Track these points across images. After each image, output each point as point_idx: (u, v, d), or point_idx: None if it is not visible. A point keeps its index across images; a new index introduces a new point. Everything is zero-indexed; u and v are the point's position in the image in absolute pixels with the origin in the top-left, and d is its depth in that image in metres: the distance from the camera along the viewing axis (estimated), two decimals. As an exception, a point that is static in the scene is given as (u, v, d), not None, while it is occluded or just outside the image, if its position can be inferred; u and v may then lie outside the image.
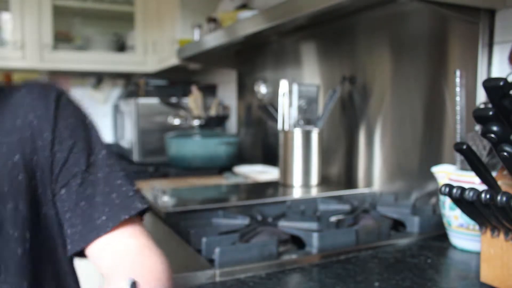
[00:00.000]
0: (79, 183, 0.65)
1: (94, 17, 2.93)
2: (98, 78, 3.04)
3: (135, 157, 2.36)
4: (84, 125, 0.70)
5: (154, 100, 2.40)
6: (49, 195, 0.66)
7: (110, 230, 0.63)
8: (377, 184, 1.40)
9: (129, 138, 2.46)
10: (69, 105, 0.70)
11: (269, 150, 2.04)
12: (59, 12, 2.63)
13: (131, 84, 2.80)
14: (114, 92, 3.10)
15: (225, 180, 1.74)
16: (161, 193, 1.38)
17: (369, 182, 1.44)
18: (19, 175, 0.63)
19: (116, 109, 2.87)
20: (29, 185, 0.64)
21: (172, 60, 2.34)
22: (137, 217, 0.67)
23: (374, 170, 1.42)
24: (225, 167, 1.97)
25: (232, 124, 2.46)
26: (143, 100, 2.39)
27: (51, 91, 0.68)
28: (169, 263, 0.64)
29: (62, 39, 2.76)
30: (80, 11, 2.77)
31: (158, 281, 0.60)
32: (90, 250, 0.64)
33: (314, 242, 0.93)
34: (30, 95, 0.66)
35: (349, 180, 1.52)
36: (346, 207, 1.18)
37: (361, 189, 1.43)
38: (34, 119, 0.65)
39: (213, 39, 1.80)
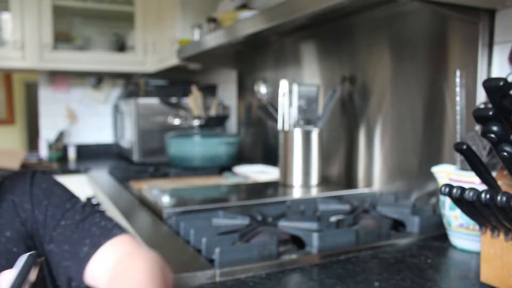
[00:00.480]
0: (60, 232, 0.75)
1: (94, 17, 2.93)
2: (98, 78, 3.04)
3: (135, 157, 2.36)
4: (55, 186, 0.82)
5: (154, 100, 2.40)
6: (45, 253, 0.76)
7: (93, 255, 0.72)
8: (377, 184, 1.40)
9: (129, 138, 2.46)
10: (42, 177, 0.82)
11: (269, 150, 2.04)
12: (59, 12, 2.63)
13: (131, 84, 2.80)
14: (114, 92, 3.10)
15: (225, 180, 1.74)
16: (161, 193, 1.38)
17: (369, 182, 1.44)
18: (14, 248, 0.73)
19: (116, 109, 2.87)
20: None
21: (172, 60, 2.34)
22: (121, 241, 0.75)
23: (374, 170, 1.42)
24: (225, 167, 1.97)
25: (232, 124, 2.46)
26: (143, 100, 2.39)
27: (26, 174, 0.82)
28: (158, 260, 0.69)
29: (62, 39, 2.75)
30: (80, 11, 2.77)
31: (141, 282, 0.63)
32: (85, 278, 0.72)
33: (314, 242, 0.93)
34: (10, 182, 0.79)
35: (349, 180, 1.52)
36: (346, 207, 1.18)
37: (361, 189, 1.43)
38: (15, 197, 0.77)
39: (213, 39, 1.80)
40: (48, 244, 0.75)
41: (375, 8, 1.38)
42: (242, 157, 2.22)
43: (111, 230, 0.76)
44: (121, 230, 0.77)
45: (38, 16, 2.50)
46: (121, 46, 2.91)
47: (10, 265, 0.67)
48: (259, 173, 1.80)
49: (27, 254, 0.43)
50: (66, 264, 0.73)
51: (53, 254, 0.75)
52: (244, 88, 2.30)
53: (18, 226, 0.75)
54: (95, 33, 2.91)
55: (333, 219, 1.06)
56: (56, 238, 0.75)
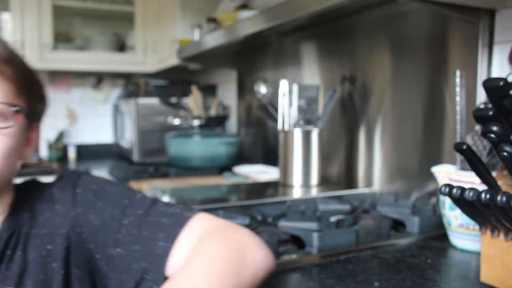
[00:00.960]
0: (124, 233, 0.67)
1: (94, 17, 2.93)
2: (98, 78, 3.04)
3: (135, 157, 2.36)
4: (106, 184, 0.74)
5: (154, 100, 2.40)
6: (107, 258, 0.68)
7: (172, 248, 0.64)
8: (377, 184, 1.40)
9: (129, 138, 2.46)
10: (89, 179, 0.74)
11: (269, 150, 2.04)
12: (59, 12, 2.63)
13: (131, 84, 2.80)
14: (114, 92, 3.10)
15: (225, 180, 1.74)
16: (161, 193, 1.38)
17: (369, 182, 1.44)
18: (53, 263, 0.67)
19: (116, 109, 2.87)
20: (72, 266, 0.68)
21: (172, 60, 2.34)
22: (196, 223, 0.67)
23: (374, 170, 1.42)
24: (225, 167, 1.97)
25: (232, 124, 2.46)
26: (143, 100, 2.39)
27: (70, 178, 0.74)
28: (235, 243, 0.62)
29: (62, 39, 2.75)
30: (80, 11, 2.77)
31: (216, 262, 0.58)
32: (166, 273, 0.65)
33: (314, 242, 0.93)
34: (56, 188, 0.72)
35: (349, 180, 1.52)
36: (346, 207, 1.18)
37: (361, 189, 1.43)
38: (60, 206, 0.70)
39: (213, 39, 1.80)
40: (114, 249, 0.68)
41: (375, 8, 1.38)
42: (242, 157, 2.22)
43: (181, 214, 0.68)
44: (191, 210, 0.69)
45: (38, 16, 2.50)
46: (121, 46, 2.91)
47: (47, 280, 0.66)
48: (259, 173, 1.80)
49: None
50: (141, 266, 0.66)
51: (120, 258, 0.67)
52: (244, 88, 2.31)
53: (62, 239, 0.68)
54: (95, 33, 2.91)
55: (333, 219, 1.06)
56: (122, 240, 0.67)
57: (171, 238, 0.65)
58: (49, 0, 2.52)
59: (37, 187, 0.74)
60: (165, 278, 0.64)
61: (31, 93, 0.69)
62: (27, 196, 0.71)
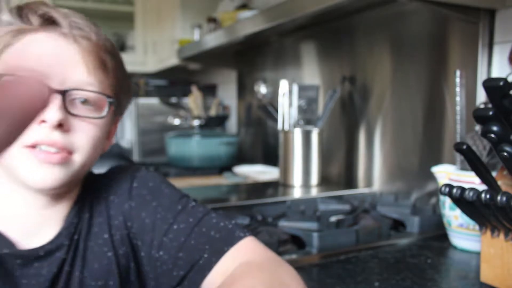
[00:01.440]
0: (171, 238, 0.66)
1: (94, 17, 2.91)
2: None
3: (135, 157, 2.36)
4: (163, 184, 0.73)
5: (154, 100, 2.40)
6: (150, 259, 0.68)
7: (215, 264, 0.63)
8: (377, 184, 1.40)
9: (129, 138, 2.46)
10: (147, 175, 0.73)
11: (269, 150, 2.04)
12: (59, 12, 2.63)
13: (131, 84, 2.80)
14: (114, 92, 3.10)
15: (225, 180, 1.74)
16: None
17: (369, 182, 1.44)
18: (108, 253, 0.66)
19: (116, 109, 2.87)
20: (124, 258, 0.68)
21: (172, 60, 2.34)
22: (244, 247, 0.65)
23: (374, 170, 1.42)
24: (225, 167, 1.97)
25: (232, 124, 2.46)
26: (143, 100, 2.39)
27: (128, 170, 0.74)
28: (278, 275, 0.58)
29: (62, 39, 2.75)
30: (80, 11, 2.74)
31: None
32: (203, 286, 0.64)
33: (314, 242, 0.93)
34: (109, 179, 0.72)
35: (349, 180, 1.52)
36: (346, 207, 1.18)
37: (361, 189, 1.43)
38: (115, 197, 0.70)
39: (213, 39, 1.80)
40: (157, 251, 0.66)
41: (375, 8, 1.38)
42: (242, 157, 2.22)
43: (232, 232, 0.66)
44: (243, 231, 0.66)
45: (38, 16, 2.50)
46: (121, 46, 2.92)
47: (102, 269, 0.66)
48: (259, 173, 1.80)
49: None
50: (180, 274, 0.64)
51: (161, 261, 0.66)
52: (244, 88, 2.31)
53: (117, 228, 0.68)
54: (95, 33, 2.91)
55: (333, 219, 1.07)
56: (167, 245, 0.66)
57: (217, 253, 0.63)
58: (49, 1, 2.52)
59: (96, 178, 0.73)
60: None
61: (122, 86, 0.69)
62: (88, 188, 0.71)
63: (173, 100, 2.41)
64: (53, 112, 0.58)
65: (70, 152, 0.61)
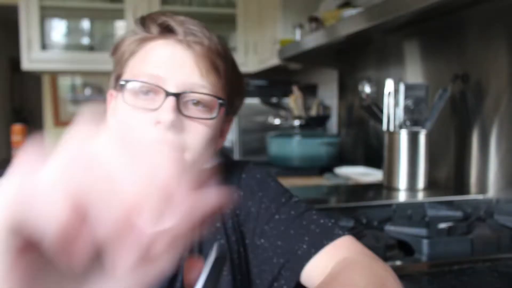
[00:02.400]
0: (272, 226, 0.69)
1: (198, 20, 3.04)
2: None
3: (236, 156, 2.42)
4: (269, 178, 0.78)
5: (254, 100, 2.44)
6: (253, 246, 0.71)
7: (314, 255, 0.64)
8: (493, 191, 1.30)
9: (230, 137, 2.53)
10: (255, 168, 0.78)
11: (371, 152, 1.98)
12: (167, 17, 2.77)
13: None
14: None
15: (326, 181, 1.73)
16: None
17: (482, 188, 1.34)
18: (221, 240, 0.70)
19: (218, 109, 2.96)
20: (235, 245, 0.71)
21: (273, 61, 2.36)
22: (342, 244, 0.66)
23: (489, 175, 1.31)
24: (325, 168, 1.95)
25: (332, 125, 2.43)
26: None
27: (239, 163, 0.79)
28: (379, 274, 0.58)
29: (169, 42, 2.90)
30: (185, 14, 2.88)
31: None
32: (302, 278, 0.65)
33: (424, 249, 0.88)
34: (223, 171, 0.76)
35: (460, 185, 1.43)
36: (458, 213, 1.11)
37: (474, 195, 1.33)
38: (228, 187, 0.73)
39: (315, 39, 1.78)
40: (259, 239, 0.69)
41: (491, 0, 1.28)
42: (342, 158, 2.18)
43: (332, 229, 0.67)
44: (342, 230, 0.68)
45: (148, 21, 2.65)
46: (223, 48, 3.00)
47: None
48: (361, 175, 1.76)
49: (216, 256, 0.35)
50: (280, 262, 0.66)
51: (262, 249, 0.69)
52: (345, 88, 2.26)
53: (228, 217, 0.72)
54: (200, 36, 3.02)
55: (443, 225, 1.00)
56: (268, 233, 0.69)
57: (316, 246, 0.64)
58: (158, 7, 2.67)
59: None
60: (297, 281, 0.64)
61: (234, 87, 0.73)
62: None
63: (274, 100, 2.44)
64: (167, 114, 0.62)
65: (182, 150, 0.64)
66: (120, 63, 0.70)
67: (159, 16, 0.68)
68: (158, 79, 0.64)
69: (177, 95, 0.64)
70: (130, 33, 0.70)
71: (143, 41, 0.67)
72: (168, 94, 0.63)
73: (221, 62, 0.69)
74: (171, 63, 0.65)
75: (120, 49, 0.70)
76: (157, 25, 0.68)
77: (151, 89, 0.65)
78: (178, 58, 0.66)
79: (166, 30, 0.68)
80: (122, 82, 0.66)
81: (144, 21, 0.69)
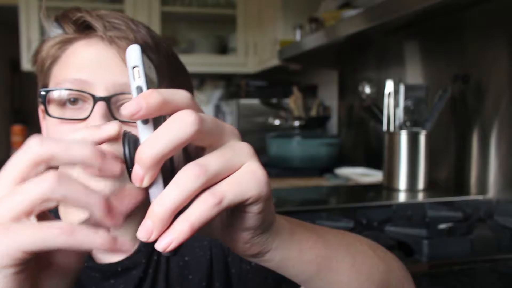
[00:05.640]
0: None
1: (198, 21, 3.05)
2: (201, 80, 3.16)
3: (236, 156, 2.41)
4: None
5: (254, 101, 2.45)
6: (239, 276, 0.67)
7: None
8: (493, 191, 1.30)
9: (230, 137, 2.53)
10: None
11: (371, 152, 1.98)
12: (166, 18, 2.77)
13: (232, 85, 2.87)
14: (215, 93, 3.20)
15: (326, 182, 1.72)
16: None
17: (483, 189, 1.33)
18: (189, 275, 0.65)
19: (218, 110, 2.97)
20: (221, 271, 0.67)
21: (273, 61, 2.36)
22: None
23: (489, 176, 1.31)
24: (325, 169, 1.95)
25: (332, 125, 2.42)
26: (244, 101, 2.44)
27: None
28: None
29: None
30: (185, 15, 2.90)
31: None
32: None
33: (425, 250, 0.88)
34: None
35: (460, 186, 1.43)
36: (458, 214, 1.11)
37: (474, 196, 1.33)
38: None
39: (315, 40, 1.78)
40: (249, 263, 0.65)
41: (491, 1, 1.27)
42: (343, 158, 2.18)
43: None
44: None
45: (148, 22, 2.65)
46: (223, 49, 3.00)
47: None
48: (361, 175, 1.76)
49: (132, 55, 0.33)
50: (275, 278, 0.63)
51: (253, 273, 0.66)
52: (345, 89, 2.26)
53: (204, 250, 0.67)
54: (199, 36, 3.03)
55: (443, 226, 1.01)
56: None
57: None
58: (158, 7, 2.67)
59: None
60: None
61: (174, 81, 0.66)
62: None
63: (274, 100, 2.44)
64: (95, 122, 0.55)
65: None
66: (42, 72, 0.62)
67: (74, 13, 0.59)
68: (84, 84, 0.57)
69: (107, 99, 0.56)
70: (48, 37, 0.61)
71: (63, 44, 0.60)
72: (96, 99, 0.56)
73: (152, 56, 0.60)
74: (96, 64, 0.58)
75: (40, 57, 0.62)
76: (72, 23, 0.59)
77: (78, 97, 0.57)
78: (103, 57, 0.58)
79: (84, 28, 0.59)
80: (42, 93, 0.58)
81: (58, 21, 0.61)
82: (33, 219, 0.30)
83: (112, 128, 0.34)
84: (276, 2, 2.36)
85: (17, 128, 2.52)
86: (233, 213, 0.36)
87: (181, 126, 0.30)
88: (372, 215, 1.12)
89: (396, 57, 1.77)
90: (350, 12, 1.58)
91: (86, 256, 0.60)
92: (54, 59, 0.61)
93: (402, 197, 1.38)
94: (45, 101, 0.58)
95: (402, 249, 0.93)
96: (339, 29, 1.59)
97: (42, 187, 0.29)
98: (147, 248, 0.63)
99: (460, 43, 1.42)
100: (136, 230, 0.31)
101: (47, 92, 0.58)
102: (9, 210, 0.30)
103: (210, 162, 0.32)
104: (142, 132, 0.32)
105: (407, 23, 1.56)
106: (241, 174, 0.33)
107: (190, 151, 0.34)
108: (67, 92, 0.57)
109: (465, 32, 1.40)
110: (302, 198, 1.44)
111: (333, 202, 1.35)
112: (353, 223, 1.03)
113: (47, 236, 0.29)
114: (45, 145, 0.31)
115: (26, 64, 2.65)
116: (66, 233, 0.29)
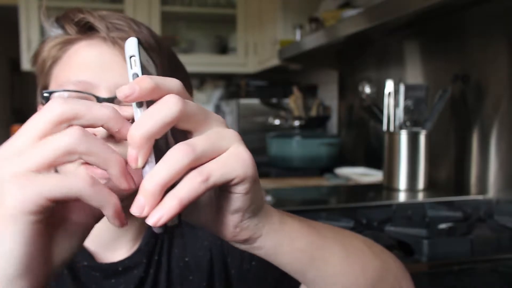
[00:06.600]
0: None
1: (198, 21, 3.05)
2: (201, 80, 3.16)
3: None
4: None
5: (254, 101, 2.45)
6: (239, 276, 0.67)
7: None
8: (493, 191, 1.30)
9: (230, 137, 2.53)
10: None
11: (371, 152, 1.98)
12: (166, 18, 2.78)
13: (232, 85, 2.87)
14: (215, 93, 3.20)
15: (326, 182, 1.73)
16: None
17: (483, 189, 1.33)
18: (190, 276, 0.66)
19: (218, 110, 2.97)
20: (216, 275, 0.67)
21: (273, 61, 2.36)
22: None
23: (489, 175, 1.31)
24: (326, 168, 1.95)
25: (332, 125, 2.42)
26: (244, 101, 2.44)
27: None
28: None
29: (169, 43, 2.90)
30: (185, 15, 2.90)
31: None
32: None
33: (425, 250, 0.88)
34: None
35: (460, 186, 1.43)
36: (458, 214, 1.11)
37: (474, 196, 1.33)
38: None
39: (315, 40, 1.78)
40: (250, 262, 0.66)
41: (491, 1, 1.28)
42: (343, 158, 2.18)
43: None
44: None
45: (148, 22, 2.65)
46: (223, 48, 3.00)
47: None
48: (361, 175, 1.76)
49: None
50: (275, 275, 0.63)
51: (253, 272, 0.66)
52: (345, 89, 2.26)
53: (203, 251, 0.67)
54: (199, 36, 3.03)
55: (443, 226, 1.01)
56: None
57: None
58: (158, 7, 2.67)
59: None
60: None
61: None
62: None
63: (274, 100, 2.44)
64: None
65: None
66: (43, 73, 0.62)
67: (76, 14, 0.60)
68: (87, 85, 0.57)
69: (111, 100, 0.56)
70: (49, 38, 0.61)
71: (64, 44, 0.60)
72: (100, 100, 0.56)
73: (155, 57, 0.61)
74: (99, 65, 0.58)
75: (40, 57, 0.62)
76: (74, 23, 0.59)
77: (81, 98, 0.57)
78: (106, 58, 0.58)
79: (86, 29, 0.60)
80: (46, 94, 0.58)
81: (59, 22, 0.61)
82: (53, 172, 0.31)
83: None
84: (276, 2, 2.36)
85: (17, 128, 2.51)
86: (221, 195, 0.38)
87: (165, 107, 0.32)
88: (372, 215, 1.12)
89: (396, 57, 1.77)
90: (350, 12, 1.58)
91: (87, 255, 0.62)
92: (55, 60, 0.61)
93: (402, 197, 1.38)
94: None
95: (402, 249, 0.93)
96: (339, 29, 1.59)
97: (69, 140, 0.30)
98: (147, 248, 0.63)
99: (460, 43, 1.42)
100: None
101: (50, 93, 0.58)
102: (33, 162, 0.30)
103: (197, 142, 0.33)
104: (137, 114, 0.34)
105: (407, 23, 1.56)
106: (227, 155, 0.35)
107: (180, 140, 0.36)
108: (70, 93, 0.57)
109: (465, 32, 1.40)
110: (302, 198, 1.44)
111: (333, 202, 1.35)
112: (353, 223, 1.03)
113: (72, 184, 0.30)
114: (69, 104, 0.32)
115: (26, 64, 2.65)
116: (89, 184, 0.30)
